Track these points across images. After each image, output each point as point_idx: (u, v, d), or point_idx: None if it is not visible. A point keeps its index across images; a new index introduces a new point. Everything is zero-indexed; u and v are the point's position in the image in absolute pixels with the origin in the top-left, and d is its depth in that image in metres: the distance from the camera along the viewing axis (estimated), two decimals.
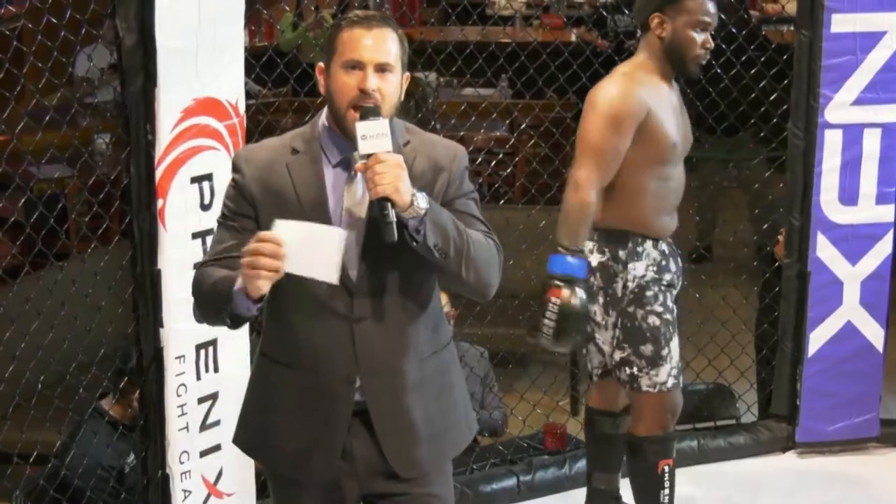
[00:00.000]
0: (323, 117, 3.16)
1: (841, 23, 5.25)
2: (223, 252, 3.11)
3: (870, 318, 5.54)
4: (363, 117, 2.99)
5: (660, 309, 4.44)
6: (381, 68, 3.05)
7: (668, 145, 4.37)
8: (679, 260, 4.59)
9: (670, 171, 4.43)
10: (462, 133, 7.48)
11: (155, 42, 3.91)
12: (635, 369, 4.47)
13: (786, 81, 5.55)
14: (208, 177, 4.10)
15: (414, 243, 2.97)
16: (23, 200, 4.96)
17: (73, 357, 4.53)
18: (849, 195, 5.43)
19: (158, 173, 3.98)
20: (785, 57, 5.64)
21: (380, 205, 2.93)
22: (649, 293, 4.44)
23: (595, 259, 4.43)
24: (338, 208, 3.10)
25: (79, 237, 6.03)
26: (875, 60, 5.31)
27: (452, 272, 3.05)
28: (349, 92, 3.03)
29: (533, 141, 7.40)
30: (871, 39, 5.29)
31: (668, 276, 4.48)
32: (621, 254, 4.42)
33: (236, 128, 4.17)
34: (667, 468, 4.57)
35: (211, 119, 4.08)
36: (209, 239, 4.06)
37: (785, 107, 5.55)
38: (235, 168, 3.17)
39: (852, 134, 5.36)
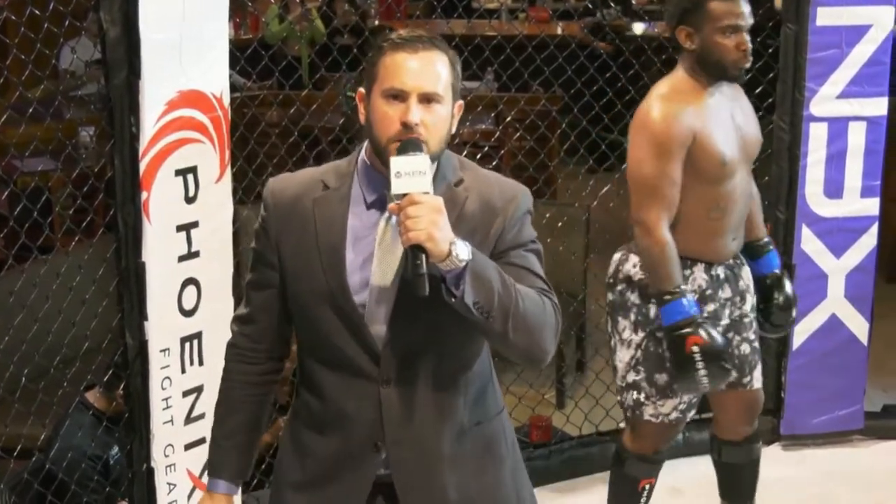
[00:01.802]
0: (363, 151, 2.82)
1: (826, 16, 5.25)
2: (251, 318, 2.94)
3: (854, 311, 5.56)
4: (401, 151, 2.62)
5: None
6: (428, 98, 2.68)
7: (718, 165, 4.18)
8: (741, 282, 4.42)
9: (725, 189, 4.23)
10: None
11: (139, 35, 3.89)
12: (642, 396, 4.35)
13: (771, 75, 5.55)
14: (192, 169, 4.08)
15: (451, 299, 2.61)
16: (6, 193, 4.94)
17: (58, 350, 4.52)
18: (834, 188, 5.43)
19: (143, 166, 3.97)
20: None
21: (412, 253, 2.56)
22: None
23: (637, 275, 4.30)
24: (361, 256, 2.77)
25: (63, 230, 6.01)
26: (860, 54, 5.32)
27: (497, 333, 2.66)
28: (390, 125, 2.67)
29: (518, 134, 7.40)
30: (857, 33, 5.29)
31: (710, 308, 4.29)
32: None
33: (221, 120, 4.16)
34: (647, 487, 4.56)
35: (195, 112, 4.06)
36: (194, 232, 4.06)
37: (770, 100, 5.55)
38: (263, 203, 2.87)
39: (837, 127, 5.36)
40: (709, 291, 4.31)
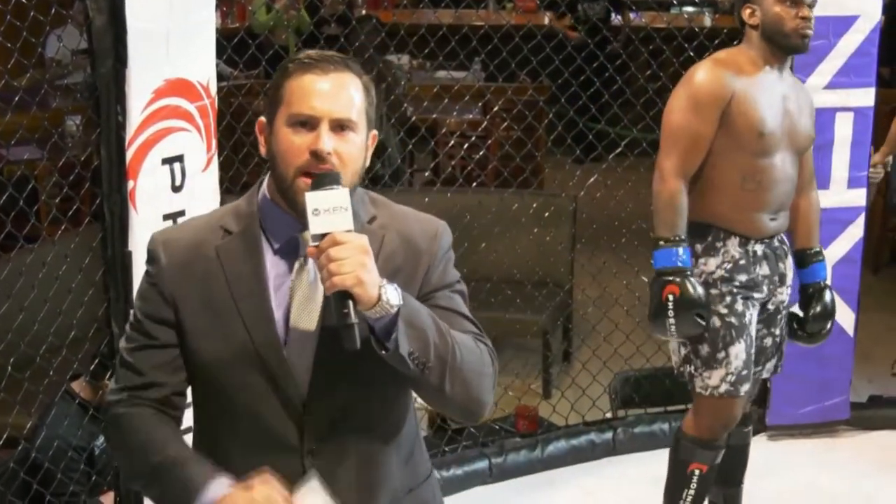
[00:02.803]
0: (264, 187, 2.47)
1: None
2: (139, 382, 2.47)
3: (841, 301, 5.54)
4: (316, 186, 2.30)
5: (723, 311, 4.29)
6: (341, 125, 2.37)
7: (756, 133, 4.21)
8: (782, 266, 4.43)
9: (762, 163, 4.26)
10: (435, 116, 7.47)
11: (125, 23, 3.88)
12: (692, 368, 4.39)
13: None
14: (179, 158, 4.07)
15: (383, 351, 2.29)
16: None
17: (44, 339, 4.51)
18: (821, 179, 5.41)
19: (129, 155, 3.95)
20: None
21: (338, 301, 2.25)
22: (714, 291, 4.29)
23: None
24: (280, 308, 2.42)
25: (49, 219, 5.99)
26: (848, 44, 5.32)
27: (432, 386, 2.35)
28: (297, 155, 2.35)
29: (506, 124, 7.40)
30: (844, 24, 5.30)
31: (743, 278, 4.31)
32: (698, 247, 4.31)
33: (207, 109, 4.15)
34: (698, 472, 4.52)
35: (182, 100, 4.05)
36: (181, 220, 4.05)
37: None
38: (151, 257, 2.49)
39: (825, 118, 5.36)
40: (742, 262, 4.32)
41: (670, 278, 4.19)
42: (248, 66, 8.47)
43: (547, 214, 6.24)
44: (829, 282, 4.64)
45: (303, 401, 2.42)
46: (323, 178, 2.32)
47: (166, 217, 4.06)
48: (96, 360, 4.55)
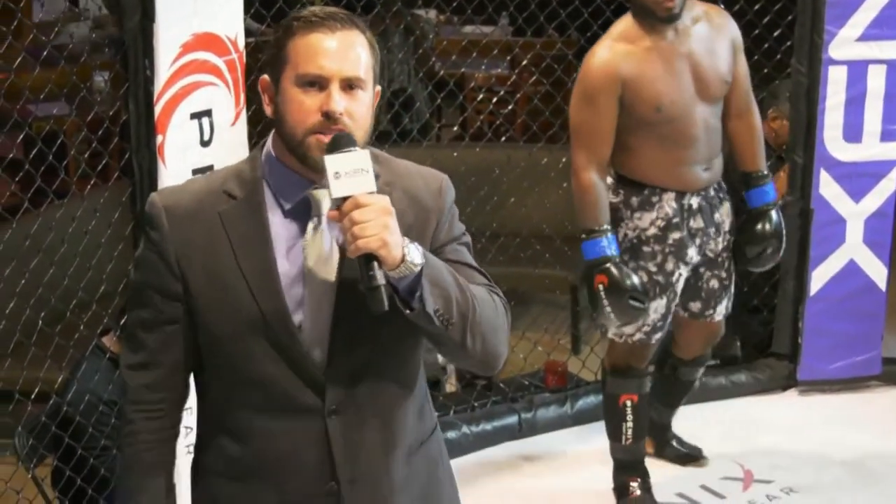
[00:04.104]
0: (268, 148, 2.43)
1: None
2: (149, 363, 2.45)
3: (873, 256, 5.53)
4: (333, 148, 2.27)
5: (653, 269, 4.42)
6: (350, 84, 2.34)
7: (653, 110, 4.30)
8: (717, 216, 4.52)
9: (673, 127, 4.35)
10: (463, 70, 7.45)
11: None
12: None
13: (789, 17, 5.50)
14: (207, 112, 4.06)
15: (408, 311, 2.28)
16: (21, 138, 4.93)
17: (74, 294, 4.52)
18: (853, 132, 5.40)
19: (157, 109, 3.94)
20: None
21: (364, 264, 2.23)
22: (646, 249, 4.43)
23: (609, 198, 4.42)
24: (292, 272, 2.39)
25: (78, 174, 6.00)
26: None
27: (455, 342, 2.35)
28: (308, 116, 2.32)
29: (534, 78, 7.36)
30: None
31: (676, 236, 4.41)
32: (634, 200, 4.41)
33: (235, 63, 4.13)
34: (629, 403, 4.63)
35: (210, 54, 4.04)
36: None
37: (788, 43, 5.51)
38: (151, 221, 2.39)
39: (857, 70, 5.32)
40: (676, 220, 4.41)
41: (600, 268, 4.28)
42: (276, 21, 8.44)
43: None
44: (775, 203, 4.69)
45: (322, 363, 2.40)
46: (339, 139, 2.28)
47: (195, 171, 4.05)
48: (126, 315, 4.55)
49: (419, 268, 2.26)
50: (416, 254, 2.26)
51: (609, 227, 4.31)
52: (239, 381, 2.41)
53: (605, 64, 4.28)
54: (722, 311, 4.70)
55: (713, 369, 5.66)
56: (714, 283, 4.62)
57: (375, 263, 2.22)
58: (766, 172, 4.65)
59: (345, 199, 2.24)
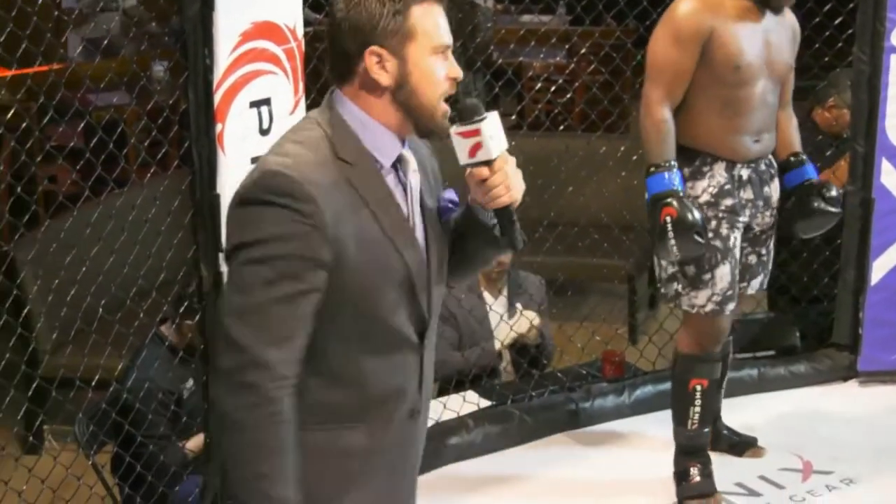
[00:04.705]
0: (354, 111, 2.54)
1: None
2: (291, 336, 2.45)
3: None
4: (471, 113, 2.56)
5: (709, 234, 4.43)
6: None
7: (732, 67, 4.34)
8: (767, 189, 4.55)
9: (740, 93, 4.39)
10: (521, 59, 7.42)
11: None
12: (679, 286, 4.52)
13: (851, 5, 5.45)
14: (266, 101, 4.07)
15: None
16: (81, 126, 4.97)
17: (134, 282, 4.55)
18: None
19: (217, 98, 3.96)
20: None
21: (507, 213, 2.59)
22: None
23: None
24: (409, 224, 2.60)
25: (138, 163, 6.04)
26: None
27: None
28: (441, 84, 2.53)
29: (592, 67, 7.34)
30: None
31: (728, 202, 4.44)
32: (685, 170, 4.43)
33: (294, 52, 4.15)
34: (699, 388, 4.61)
35: (269, 43, 4.05)
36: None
37: (850, 31, 5.46)
38: (298, 194, 2.41)
39: None
40: (728, 187, 4.46)
41: (667, 201, 4.30)
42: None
43: (634, 158, 6.16)
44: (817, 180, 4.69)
45: (427, 304, 2.61)
46: (478, 105, 2.56)
47: (254, 160, 4.07)
48: (185, 304, 4.58)
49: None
50: None
51: (675, 164, 4.35)
52: (369, 331, 2.54)
53: (696, 10, 4.36)
54: (756, 285, 4.74)
55: (772, 360, 5.64)
56: (752, 259, 4.67)
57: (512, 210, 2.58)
58: (804, 157, 4.71)
59: (488, 160, 2.56)
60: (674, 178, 4.33)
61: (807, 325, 5.85)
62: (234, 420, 2.42)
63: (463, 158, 2.58)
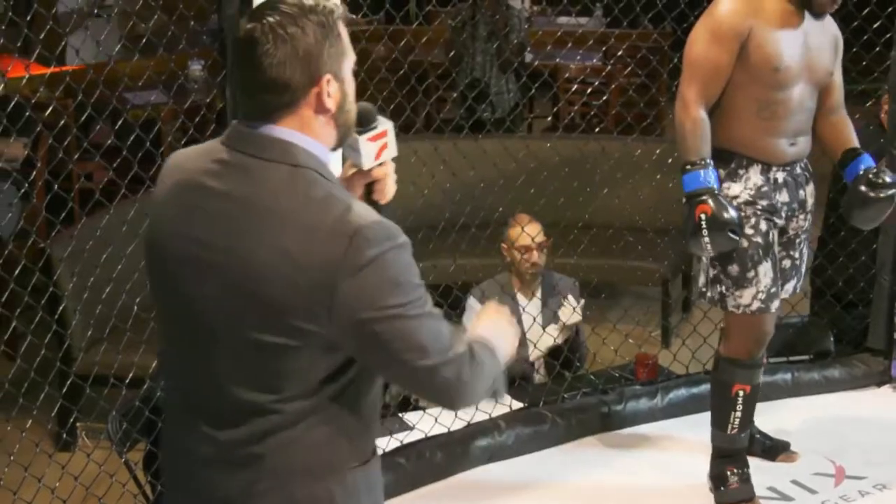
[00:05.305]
0: (306, 146, 2.43)
1: None
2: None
3: None
4: (373, 116, 2.64)
5: (749, 231, 4.42)
6: None
7: (771, 68, 4.33)
8: (802, 193, 4.54)
9: (778, 95, 4.38)
10: (557, 61, 7.41)
11: None
12: (723, 288, 4.50)
13: (890, 8, 5.43)
14: None
15: None
16: (119, 124, 4.99)
17: None
18: None
19: None
20: None
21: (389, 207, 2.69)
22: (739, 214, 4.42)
23: None
24: None
25: None
26: None
27: None
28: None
29: (628, 70, 7.33)
30: None
31: (764, 202, 4.44)
32: (721, 172, 4.42)
33: None
34: (741, 393, 4.59)
35: None
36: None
37: (889, 35, 5.45)
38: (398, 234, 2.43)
39: None
40: (764, 188, 4.45)
41: (702, 198, 4.30)
42: (372, 12, 8.48)
43: (670, 161, 6.16)
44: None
45: None
46: (372, 107, 2.64)
47: None
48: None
49: None
50: None
51: (710, 161, 4.35)
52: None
53: (736, 10, 4.35)
54: (790, 289, 4.73)
55: (806, 364, 5.62)
56: (787, 263, 4.65)
57: None
58: (856, 148, 4.65)
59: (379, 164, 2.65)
60: (709, 175, 4.32)
61: (842, 330, 5.83)
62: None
63: (369, 162, 2.62)
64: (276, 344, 2.37)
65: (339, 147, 2.54)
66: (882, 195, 4.52)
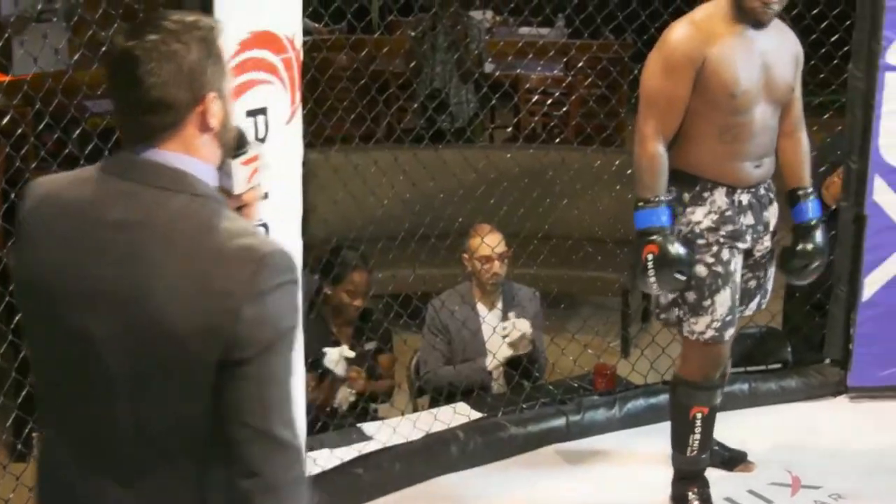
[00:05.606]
0: (195, 170, 2.33)
1: None
2: None
3: None
4: (246, 139, 2.65)
5: (710, 260, 4.42)
6: None
7: (728, 94, 4.30)
8: (766, 214, 4.54)
9: (738, 119, 4.35)
10: (518, 72, 7.43)
11: None
12: (680, 312, 4.52)
13: (848, 22, 5.48)
14: (263, 110, 4.07)
15: None
16: (76, 133, 4.97)
17: None
18: None
19: None
20: None
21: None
22: (701, 241, 4.42)
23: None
24: None
25: None
26: None
27: None
28: None
29: (589, 81, 7.35)
30: None
31: (729, 228, 4.43)
32: (685, 196, 4.42)
33: (292, 61, 4.15)
34: (699, 415, 4.61)
35: (267, 52, 4.05)
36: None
37: (846, 48, 5.49)
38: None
39: None
40: (729, 213, 4.44)
41: (651, 238, 4.32)
42: (334, 21, 8.48)
43: (629, 172, 6.18)
44: (821, 219, 4.70)
45: None
46: (244, 131, 2.67)
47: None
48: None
49: None
50: None
51: (664, 199, 4.35)
52: None
53: (689, 38, 4.31)
54: (753, 307, 4.76)
55: (763, 374, 5.65)
56: (752, 284, 4.66)
57: None
58: (811, 190, 4.69)
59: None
60: (661, 214, 4.34)
61: (798, 341, 5.86)
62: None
63: (240, 187, 2.57)
64: (180, 382, 2.23)
65: (221, 167, 2.43)
66: (805, 265, 4.65)
